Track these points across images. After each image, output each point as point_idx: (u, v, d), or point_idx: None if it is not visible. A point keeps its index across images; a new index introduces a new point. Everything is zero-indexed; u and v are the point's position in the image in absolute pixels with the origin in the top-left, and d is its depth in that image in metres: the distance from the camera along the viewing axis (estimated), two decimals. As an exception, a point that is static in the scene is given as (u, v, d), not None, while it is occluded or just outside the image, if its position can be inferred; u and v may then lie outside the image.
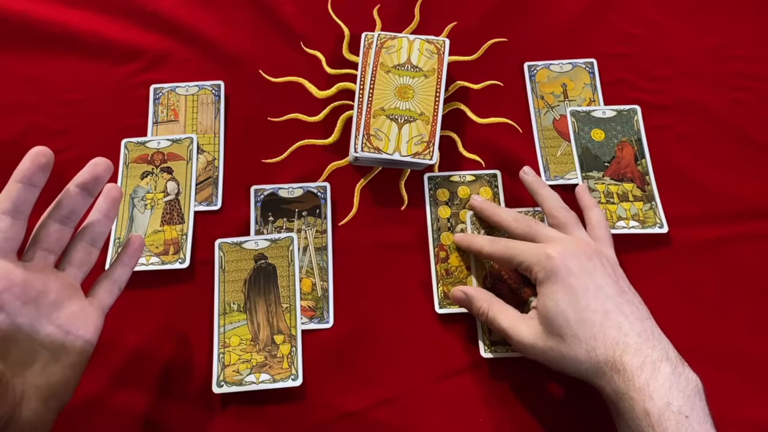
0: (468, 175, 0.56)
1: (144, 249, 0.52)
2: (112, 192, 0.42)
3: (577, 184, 0.54)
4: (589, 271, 0.42)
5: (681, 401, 0.37)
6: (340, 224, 0.54)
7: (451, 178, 0.56)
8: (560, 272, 0.42)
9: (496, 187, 0.55)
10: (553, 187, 0.55)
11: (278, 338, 0.49)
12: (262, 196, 0.55)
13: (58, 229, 0.40)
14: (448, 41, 0.57)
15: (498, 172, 0.56)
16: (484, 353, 0.49)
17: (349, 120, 0.58)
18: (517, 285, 0.50)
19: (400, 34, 0.57)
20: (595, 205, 0.50)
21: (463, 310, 0.51)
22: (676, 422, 0.36)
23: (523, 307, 0.48)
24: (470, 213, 0.53)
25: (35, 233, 0.39)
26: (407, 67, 0.56)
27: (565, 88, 0.59)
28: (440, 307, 0.51)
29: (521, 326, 0.44)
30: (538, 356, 0.43)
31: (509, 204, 0.55)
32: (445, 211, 0.55)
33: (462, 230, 0.53)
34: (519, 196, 0.55)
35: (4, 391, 0.34)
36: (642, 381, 0.38)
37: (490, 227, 0.53)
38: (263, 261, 0.52)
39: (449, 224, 0.54)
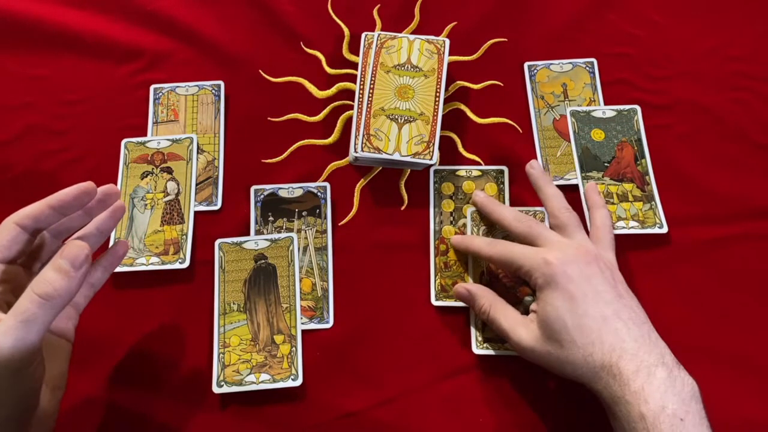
0: (474, 170, 0.56)
1: (144, 250, 0.52)
2: (118, 213, 0.43)
3: (576, 185, 0.54)
4: (587, 276, 0.42)
5: (676, 405, 0.37)
6: (340, 224, 0.54)
7: (457, 173, 0.56)
8: (559, 279, 0.42)
9: (502, 183, 0.55)
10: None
11: (278, 338, 0.49)
12: (262, 196, 0.55)
13: (51, 242, 0.41)
14: (448, 41, 0.57)
15: (505, 168, 0.55)
16: (476, 349, 0.49)
17: (349, 120, 0.58)
18: (513, 283, 0.50)
19: (400, 34, 0.57)
20: (603, 205, 0.50)
21: (460, 303, 0.51)
22: (671, 425, 0.37)
23: (519, 305, 0.49)
24: (471, 209, 0.53)
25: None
26: (407, 67, 0.56)
27: (565, 88, 0.59)
28: (436, 299, 0.51)
29: (520, 329, 0.44)
30: (536, 359, 0.44)
31: (513, 202, 0.55)
32: (448, 205, 0.55)
33: (464, 225, 0.54)
34: (522, 195, 0.55)
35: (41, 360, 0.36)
36: (637, 385, 0.38)
37: (490, 224, 0.53)
38: (263, 261, 0.52)
39: (452, 218, 0.54)
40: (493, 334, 0.49)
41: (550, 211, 0.48)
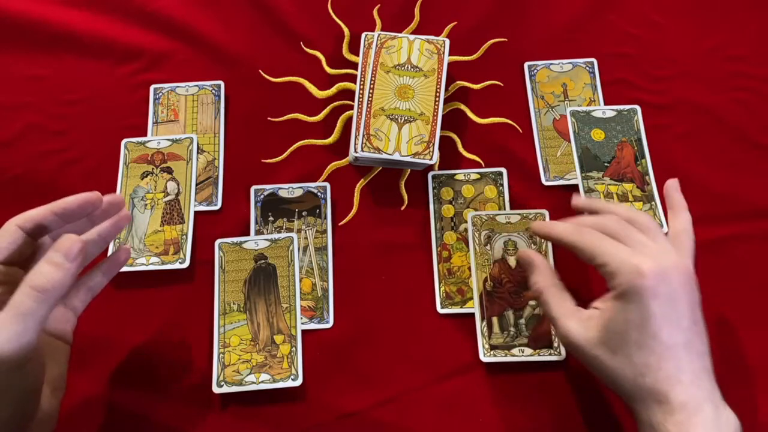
0: (473, 173, 0.56)
1: (144, 250, 0.52)
2: (122, 222, 0.43)
3: (576, 185, 0.54)
4: (674, 298, 0.38)
5: None
6: (340, 224, 0.54)
7: (455, 177, 0.56)
8: (646, 293, 0.38)
9: (501, 185, 0.55)
10: (552, 187, 0.55)
11: (278, 338, 0.49)
12: (262, 196, 0.55)
13: (51, 246, 0.41)
14: (448, 41, 0.57)
15: (504, 170, 0.55)
16: (484, 357, 0.49)
17: (349, 120, 0.58)
18: (517, 288, 0.50)
19: (400, 34, 0.57)
20: (685, 207, 0.45)
21: (464, 310, 0.51)
22: None
23: (522, 309, 0.49)
24: (472, 213, 0.53)
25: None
26: (407, 67, 0.56)
27: (565, 88, 0.59)
28: (442, 307, 0.51)
29: (572, 322, 0.41)
30: (579, 356, 0.41)
31: (513, 204, 0.55)
32: (448, 210, 0.55)
33: (465, 230, 0.53)
34: (522, 196, 0.55)
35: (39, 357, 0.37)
36: (683, 417, 0.37)
37: (490, 228, 0.53)
38: (263, 261, 0.52)
39: (452, 223, 0.54)
40: (500, 341, 0.49)
41: (628, 217, 0.43)
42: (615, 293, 0.39)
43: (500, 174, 0.55)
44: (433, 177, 0.56)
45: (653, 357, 0.38)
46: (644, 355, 0.38)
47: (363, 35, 0.58)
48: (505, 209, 0.54)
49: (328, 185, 0.55)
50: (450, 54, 0.57)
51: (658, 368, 0.37)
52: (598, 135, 0.57)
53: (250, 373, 0.48)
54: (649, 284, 0.38)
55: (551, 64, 0.60)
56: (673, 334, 0.38)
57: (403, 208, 0.55)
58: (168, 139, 0.57)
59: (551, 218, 0.53)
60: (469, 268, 0.52)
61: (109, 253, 0.52)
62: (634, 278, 0.38)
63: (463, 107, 0.59)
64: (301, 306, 0.51)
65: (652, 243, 0.41)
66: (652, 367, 0.38)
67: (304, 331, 0.50)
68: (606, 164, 0.55)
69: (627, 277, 0.39)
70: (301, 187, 0.55)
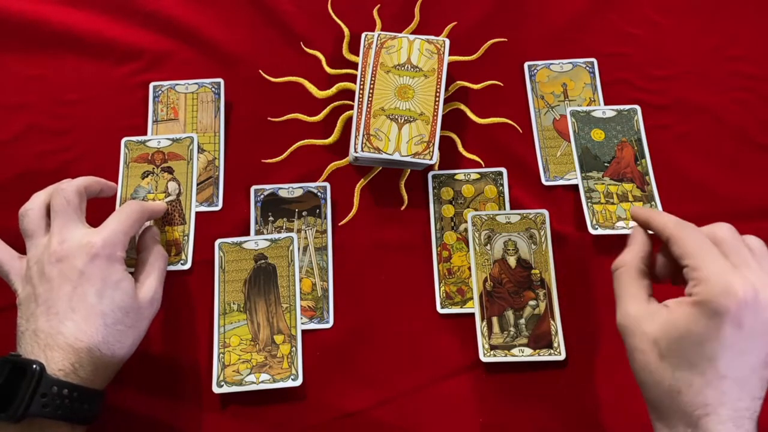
0: (473, 173, 0.56)
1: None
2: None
3: (576, 185, 0.54)
4: (755, 334, 0.34)
5: None
6: (340, 224, 0.54)
7: (456, 177, 0.56)
8: (726, 317, 0.33)
9: (502, 185, 0.55)
10: (553, 187, 0.55)
11: (278, 338, 0.49)
12: (262, 196, 0.55)
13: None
14: (448, 41, 0.57)
15: (504, 170, 0.55)
16: (484, 357, 0.49)
17: (349, 120, 0.58)
18: (518, 288, 0.50)
19: (400, 34, 0.57)
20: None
21: (464, 310, 0.51)
22: None
23: (522, 309, 0.49)
24: (472, 213, 0.53)
25: None
26: (407, 67, 0.56)
27: (565, 87, 0.59)
28: (442, 307, 0.51)
29: (634, 306, 0.38)
30: (627, 342, 0.38)
31: (513, 204, 0.55)
32: (448, 210, 0.55)
33: (465, 229, 0.53)
34: (522, 197, 0.55)
35: None
36: None
37: (490, 228, 0.53)
38: (263, 261, 0.52)
39: (452, 223, 0.54)
40: (500, 341, 0.49)
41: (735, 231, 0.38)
42: (693, 300, 0.35)
43: (500, 174, 0.55)
44: (433, 177, 0.56)
45: (699, 378, 0.34)
46: (691, 374, 0.34)
47: (363, 35, 0.58)
48: (505, 209, 0.54)
49: (328, 185, 0.55)
50: (450, 54, 0.57)
51: (698, 392, 0.34)
52: (598, 135, 0.57)
53: (250, 373, 0.48)
54: (734, 308, 0.33)
55: (551, 64, 0.60)
56: (733, 366, 0.34)
57: (403, 208, 0.55)
58: (168, 138, 0.56)
59: (551, 219, 0.53)
60: (469, 268, 0.52)
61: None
62: (720, 294, 0.34)
63: (463, 107, 0.59)
64: (301, 306, 0.51)
65: (757, 267, 0.36)
66: (693, 388, 0.34)
67: (304, 331, 0.50)
68: (606, 164, 0.55)
69: (714, 290, 0.34)
70: (301, 187, 0.55)
